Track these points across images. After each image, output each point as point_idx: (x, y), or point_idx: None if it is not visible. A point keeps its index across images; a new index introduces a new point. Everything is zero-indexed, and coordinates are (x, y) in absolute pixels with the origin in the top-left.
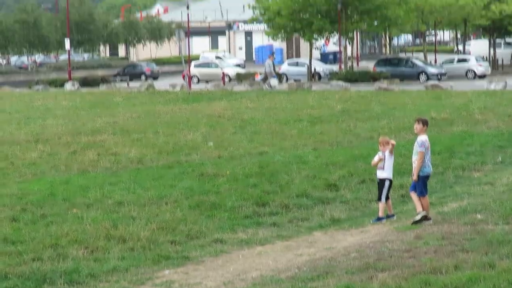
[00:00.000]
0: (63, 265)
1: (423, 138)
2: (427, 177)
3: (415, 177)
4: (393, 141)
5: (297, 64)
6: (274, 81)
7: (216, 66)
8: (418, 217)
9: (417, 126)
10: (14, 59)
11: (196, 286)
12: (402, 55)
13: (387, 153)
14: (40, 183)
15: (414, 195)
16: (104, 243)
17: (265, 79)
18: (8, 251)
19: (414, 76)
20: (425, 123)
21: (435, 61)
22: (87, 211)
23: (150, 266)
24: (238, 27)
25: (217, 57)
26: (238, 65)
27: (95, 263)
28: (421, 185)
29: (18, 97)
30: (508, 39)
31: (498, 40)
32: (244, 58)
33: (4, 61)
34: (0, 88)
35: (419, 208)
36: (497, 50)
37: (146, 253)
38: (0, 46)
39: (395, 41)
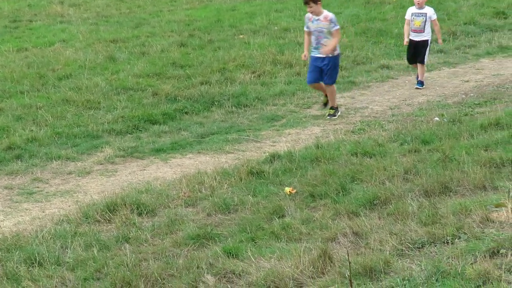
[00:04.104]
0: (230, 88)
1: None
2: None
3: None
4: None
5: None
6: None
7: None
8: None
9: None
10: None
11: (363, 110)
12: None
13: None
14: (207, 10)
15: None
16: (270, 68)
17: None
18: (177, 74)
19: None
20: None
21: None
22: (253, 37)
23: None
24: None
25: None
26: None
27: (262, 87)
28: None
29: None
30: None
31: None
32: None
33: None
34: None
35: None
36: None
37: None
38: None
39: None
